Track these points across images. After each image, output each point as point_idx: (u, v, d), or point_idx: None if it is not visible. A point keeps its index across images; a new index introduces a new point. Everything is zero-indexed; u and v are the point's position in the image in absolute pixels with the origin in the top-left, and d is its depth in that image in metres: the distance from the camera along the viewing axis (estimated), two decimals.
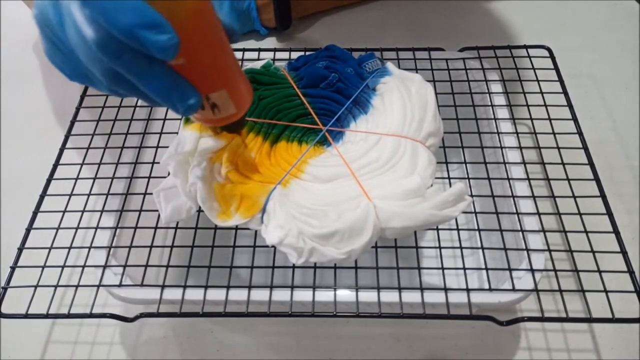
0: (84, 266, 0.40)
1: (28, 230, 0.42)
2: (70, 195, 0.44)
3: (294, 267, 0.37)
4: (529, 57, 0.52)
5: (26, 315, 0.38)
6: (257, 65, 0.47)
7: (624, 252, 0.39)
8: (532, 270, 0.38)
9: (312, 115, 0.43)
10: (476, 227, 0.42)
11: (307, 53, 0.48)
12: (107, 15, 0.23)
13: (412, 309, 0.37)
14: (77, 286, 0.39)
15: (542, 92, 0.49)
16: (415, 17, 0.72)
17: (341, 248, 0.34)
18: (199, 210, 0.39)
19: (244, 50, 0.53)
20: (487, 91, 0.50)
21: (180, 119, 0.45)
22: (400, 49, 0.53)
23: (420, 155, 0.38)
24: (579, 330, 0.45)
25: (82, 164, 0.46)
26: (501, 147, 0.46)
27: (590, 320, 0.37)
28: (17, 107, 0.64)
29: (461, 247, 0.40)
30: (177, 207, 0.38)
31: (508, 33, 0.70)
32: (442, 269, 0.39)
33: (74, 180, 0.45)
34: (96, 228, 0.42)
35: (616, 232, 0.40)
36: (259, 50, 0.53)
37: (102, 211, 0.43)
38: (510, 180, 0.43)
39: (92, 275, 0.39)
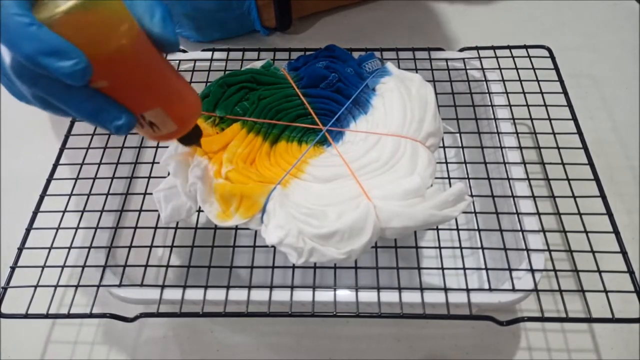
0: (83, 266, 0.40)
1: (28, 230, 0.42)
2: (70, 195, 0.44)
3: (293, 267, 0.38)
4: (529, 57, 0.52)
5: (26, 315, 0.38)
6: (257, 65, 0.47)
7: (624, 252, 0.39)
8: (532, 270, 0.38)
9: (312, 115, 0.43)
10: (476, 227, 0.42)
11: (307, 53, 0.48)
12: (12, 43, 0.23)
13: (412, 309, 0.37)
14: (77, 286, 0.39)
15: (542, 92, 0.49)
16: (415, 17, 0.72)
17: (341, 248, 0.34)
18: (199, 210, 0.39)
19: (243, 50, 0.53)
20: (487, 91, 0.50)
21: None
22: (400, 49, 0.53)
23: (420, 155, 0.38)
24: (578, 330, 0.45)
25: (82, 164, 0.46)
26: (501, 147, 0.46)
27: (590, 320, 0.37)
28: (17, 107, 0.64)
29: (461, 247, 0.40)
30: (177, 207, 0.38)
31: (508, 33, 0.70)
32: (442, 269, 0.39)
33: (74, 180, 0.45)
34: (96, 228, 0.42)
35: (616, 232, 0.40)
36: (259, 50, 0.53)
37: (102, 211, 0.43)
38: (510, 180, 0.43)
39: (92, 275, 0.39)
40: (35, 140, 0.61)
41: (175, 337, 0.46)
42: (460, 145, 0.48)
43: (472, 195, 0.40)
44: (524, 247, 0.39)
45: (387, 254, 0.43)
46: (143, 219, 0.42)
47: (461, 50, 0.54)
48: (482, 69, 0.51)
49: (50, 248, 0.41)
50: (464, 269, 0.39)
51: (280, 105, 0.43)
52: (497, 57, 0.52)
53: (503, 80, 0.50)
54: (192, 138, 0.32)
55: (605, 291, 0.37)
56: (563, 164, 0.44)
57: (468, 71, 0.52)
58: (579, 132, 0.47)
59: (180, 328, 0.46)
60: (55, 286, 0.39)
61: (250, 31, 0.70)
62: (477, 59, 0.52)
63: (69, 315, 0.38)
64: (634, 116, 0.60)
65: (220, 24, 0.67)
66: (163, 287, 0.38)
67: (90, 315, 0.37)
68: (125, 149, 0.47)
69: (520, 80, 0.50)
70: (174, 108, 0.29)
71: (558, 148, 0.46)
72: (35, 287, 0.39)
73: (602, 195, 0.43)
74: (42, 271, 0.40)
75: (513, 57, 0.52)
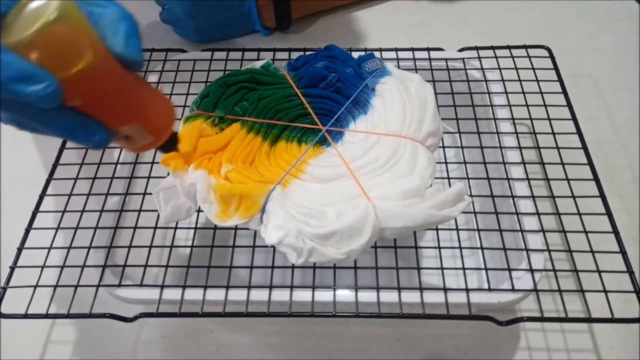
0: (83, 266, 0.40)
1: (28, 230, 0.42)
2: (70, 195, 0.44)
3: (293, 267, 0.38)
4: (529, 57, 0.52)
5: (26, 315, 0.38)
6: (257, 65, 0.47)
7: (623, 252, 0.39)
8: (532, 270, 0.38)
9: (311, 115, 0.43)
10: (476, 227, 0.42)
11: (307, 53, 0.48)
12: None
13: (411, 309, 0.37)
14: (76, 286, 0.39)
15: (541, 92, 0.49)
16: (415, 17, 0.72)
17: (340, 248, 0.34)
18: (199, 210, 0.39)
19: (243, 50, 0.53)
20: (486, 91, 0.50)
21: (180, 119, 0.45)
22: (399, 49, 0.53)
23: (419, 155, 0.38)
24: (578, 331, 0.45)
25: (81, 164, 0.46)
26: (501, 147, 0.46)
27: (589, 320, 0.37)
28: None
29: (460, 247, 0.40)
30: (177, 207, 0.38)
31: (508, 33, 0.70)
32: (442, 269, 0.39)
33: (74, 180, 0.45)
34: (96, 228, 0.42)
35: (616, 232, 0.40)
36: (259, 50, 0.53)
37: (101, 211, 0.43)
38: (510, 180, 0.43)
39: (91, 275, 0.39)
40: (35, 140, 0.61)
41: (174, 337, 0.46)
42: (459, 145, 0.48)
43: (471, 195, 0.41)
44: (524, 247, 0.39)
45: (386, 254, 0.43)
46: (142, 219, 0.42)
47: (461, 50, 0.54)
48: (482, 69, 0.51)
49: (50, 248, 0.41)
50: (464, 269, 0.39)
51: (279, 105, 0.43)
52: (496, 57, 0.52)
53: (503, 80, 0.50)
54: (169, 146, 0.32)
55: (605, 291, 0.37)
56: (563, 164, 0.44)
57: (468, 71, 0.52)
58: (579, 132, 0.47)
59: (180, 328, 0.46)
60: (55, 286, 0.39)
61: (250, 31, 0.70)
62: (476, 59, 0.52)
63: (68, 315, 0.38)
64: (634, 116, 0.60)
65: (220, 24, 0.67)
66: (162, 287, 0.38)
67: (90, 315, 0.37)
68: (125, 148, 0.47)
69: (520, 80, 0.50)
70: (148, 121, 0.29)
71: (558, 148, 0.46)
72: (35, 287, 0.39)
73: (602, 195, 0.43)
74: (41, 271, 0.40)
75: (513, 57, 0.52)
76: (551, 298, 0.43)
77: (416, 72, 0.45)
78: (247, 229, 0.36)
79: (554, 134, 0.47)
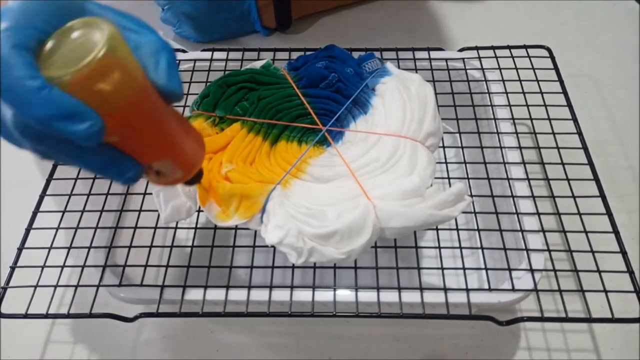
0: (83, 266, 0.40)
1: (28, 230, 0.42)
2: (70, 195, 0.44)
3: (293, 267, 0.38)
4: (529, 57, 0.52)
5: (26, 315, 0.38)
6: (257, 65, 0.47)
7: (623, 252, 0.39)
8: (532, 270, 0.38)
9: (311, 115, 0.43)
10: (476, 227, 0.42)
11: (307, 53, 0.48)
12: (20, 107, 0.21)
13: (411, 309, 0.37)
14: (77, 286, 0.39)
15: (541, 92, 0.49)
16: (415, 17, 0.72)
17: (341, 248, 0.34)
18: (199, 210, 0.39)
19: (243, 50, 0.53)
20: (486, 91, 0.50)
21: None
22: (399, 49, 0.53)
23: (419, 155, 0.38)
24: (578, 330, 0.45)
25: None
26: (501, 147, 0.46)
27: (589, 320, 0.37)
28: None
29: (461, 247, 0.40)
30: (177, 207, 0.38)
31: (508, 33, 0.70)
32: (442, 269, 0.39)
33: (74, 180, 0.45)
34: (96, 228, 0.42)
35: (616, 232, 0.40)
36: (259, 50, 0.53)
37: (101, 211, 0.43)
38: (510, 180, 0.43)
39: (91, 275, 0.39)
40: None
41: (174, 337, 0.46)
42: (460, 145, 0.48)
43: (471, 195, 0.40)
44: (524, 247, 0.39)
45: (386, 254, 0.43)
46: (143, 219, 0.42)
47: (461, 50, 0.54)
48: (482, 69, 0.51)
49: (50, 248, 0.41)
50: (464, 268, 0.39)
51: (280, 105, 0.43)
52: (496, 57, 0.52)
53: (503, 80, 0.50)
54: (195, 179, 0.31)
55: (605, 291, 0.37)
56: (563, 164, 0.44)
57: (468, 71, 0.52)
58: (579, 132, 0.47)
59: (180, 328, 0.46)
60: (55, 286, 0.39)
61: (250, 31, 0.70)
62: (476, 59, 0.52)
63: (68, 315, 0.38)
64: (634, 116, 0.60)
65: (220, 24, 0.67)
66: (163, 287, 0.38)
67: (90, 315, 0.37)
68: None
69: (520, 80, 0.50)
70: (182, 157, 0.28)
71: (558, 148, 0.46)
72: (35, 287, 0.39)
73: (602, 195, 0.43)
74: (42, 271, 0.40)
75: (513, 57, 0.52)
76: (551, 298, 0.43)
77: (416, 72, 0.45)
78: (247, 229, 0.36)
79: (554, 134, 0.47)
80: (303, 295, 0.38)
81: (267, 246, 0.35)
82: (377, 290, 0.37)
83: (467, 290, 0.37)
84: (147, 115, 0.24)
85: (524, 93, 0.49)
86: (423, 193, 0.36)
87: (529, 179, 0.43)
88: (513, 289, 0.37)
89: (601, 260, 0.39)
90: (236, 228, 0.41)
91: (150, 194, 0.40)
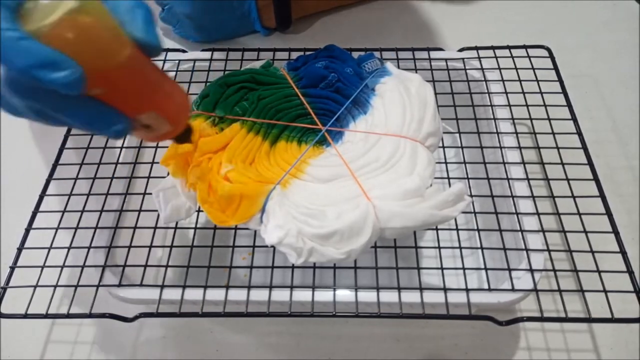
0: (83, 266, 0.40)
1: (28, 230, 0.42)
2: (70, 195, 0.44)
3: (293, 267, 0.38)
4: (529, 57, 0.52)
5: (26, 315, 0.38)
6: (257, 65, 0.47)
7: (623, 252, 0.39)
8: (532, 270, 0.38)
9: (311, 115, 0.43)
10: (475, 227, 0.42)
11: (307, 53, 0.48)
12: (4, 58, 0.23)
13: (411, 309, 0.37)
14: (76, 286, 0.39)
15: (541, 92, 0.49)
16: (415, 17, 0.72)
17: (340, 248, 0.34)
18: (199, 210, 0.39)
19: (243, 50, 0.53)
20: (486, 91, 0.50)
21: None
22: (399, 49, 0.53)
23: (419, 155, 0.38)
24: (578, 330, 0.45)
25: (81, 164, 0.46)
26: (500, 147, 0.46)
27: (589, 320, 0.37)
28: None
29: (460, 247, 0.40)
30: (177, 207, 0.38)
31: (508, 33, 0.70)
32: (442, 269, 0.39)
33: (74, 180, 0.45)
34: (95, 228, 0.42)
35: (616, 232, 0.40)
36: (259, 50, 0.53)
37: (101, 211, 0.43)
38: (510, 180, 0.43)
39: (91, 275, 0.39)
40: (36, 140, 0.61)
41: (174, 337, 0.46)
42: (459, 145, 0.48)
43: (471, 195, 0.40)
44: (524, 247, 0.39)
45: (386, 254, 0.43)
46: (142, 219, 0.42)
47: (461, 50, 0.54)
48: (482, 69, 0.51)
49: (49, 248, 0.41)
50: (464, 269, 0.39)
51: (279, 105, 0.43)
52: (496, 57, 0.52)
53: (503, 80, 0.50)
54: (185, 136, 0.32)
55: (605, 291, 0.37)
56: (562, 164, 0.44)
57: (467, 71, 0.52)
58: (579, 132, 0.47)
59: (180, 328, 0.46)
60: (55, 286, 0.39)
61: (250, 31, 0.70)
62: (476, 59, 0.52)
63: (68, 315, 0.38)
64: (634, 116, 0.60)
65: (220, 24, 0.67)
66: (162, 287, 0.38)
67: (90, 315, 0.37)
68: (124, 148, 0.47)
69: (520, 80, 0.50)
70: (167, 108, 0.29)
71: (557, 148, 0.46)
72: (35, 287, 0.39)
73: (602, 196, 0.43)
74: (41, 271, 0.40)
75: (513, 57, 0.52)
76: (551, 298, 0.43)
77: (416, 72, 0.45)
78: (247, 229, 0.36)
79: (554, 134, 0.47)
80: (303, 295, 0.38)
81: (266, 246, 0.35)
82: (377, 290, 0.37)
83: (467, 290, 0.37)
84: (128, 69, 0.26)
85: (523, 93, 0.49)
86: (423, 193, 0.36)
87: (528, 179, 0.43)
88: (513, 289, 0.37)
89: (601, 260, 0.39)
90: (236, 228, 0.41)
91: (150, 194, 0.40)
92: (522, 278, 0.38)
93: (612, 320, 0.36)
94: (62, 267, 0.40)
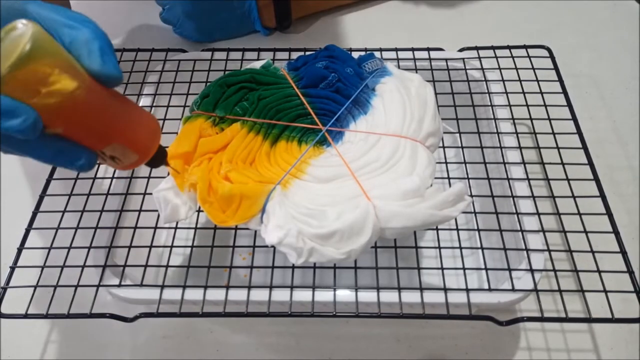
0: (83, 266, 0.40)
1: (28, 230, 0.42)
2: (70, 195, 0.44)
3: (293, 267, 0.38)
4: (529, 57, 0.52)
5: (26, 315, 0.38)
6: (257, 65, 0.47)
7: (623, 252, 0.39)
8: (532, 270, 0.38)
9: (311, 115, 0.43)
10: (476, 227, 0.42)
11: (307, 53, 0.48)
12: None
13: (411, 309, 0.37)
14: (77, 286, 0.39)
15: (541, 92, 0.49)
16: (415, 17, 0.72)
17: (341, 248, 0.34)
18: (199, 210, 0.39)
19: (243, 50, 0.53)
20: (486, 91, 0.50)
21: (180, 119, 0.45)
22: (399, 49, 0.53)
23: (419, 155, 0.38)
24: (578, 330, 0.45)
25: None
26: (501, 147, 0.46)
27: (589, 320, 0.37)
28: None
29: (461, 247, 0.40)
30: (177, 207, 0.38)
31: (508, 33, 0.70)
32: (442, 269, 0.39)
33: (74, 180, 0.45)
34: (96, 228, 0.42)
35: (616, 232, 0.40)
36: (259, 50, 0.53)
37: (101, 211, 0.43)
38: (510, 180, 0.43)
39: (91, 275, 0.39)
40: None
41: (174, 337, 0.46)
42: (460, 145, 0.48)
43: (471, 195, 0.40)
44: (524, 247, 0.39)
45: (386, 254, 0.43)
46: (143, 218, 0.42)
47: (461, 50, 0.54)
48: (482, 69, 0.51)
49: (50, 248, 0.41)
50: (464, 269, 0.39)
51: (280, 105, 0.43)
52: (496, 57, 0.52)
53: (503, 80, 0.50)
54: (157, 161, 0.32)
55: (605, 291, 0.37)
56: (563, 164, 0.44)
57: (468, 71, 0.52)
58: (579, 132, 0.47)
59: (180, 328, 0.46)
60: (55, 286, 0.39)
61: (250, 31, 0.70)
62: (476, 59, 0.52)
63: (68, 315, 0.38)
64: (634, 116, 0.60)
65: (220, 24, 0.67)
66: (163, 287, 0.38)
67: (90, 315, 0.37)
68: None
69: (520, 80, 0.50)
70: (132, 139, 0.28)
71: (558, 148, 0.46)
72: (35, 287, 0.39)
73: (602, 195, 0.43)
74: (41, 271, 0.40)
75: (513, 57, 0.52)
76: (551, 298, 0.43)
77: (416, 72, 0.45)
78: (247, 229, 0.36)
79: (554, 134, 0.47)
80: (303, 296, 0.38)
81: (267, 246, 0.35)
82: (377, 290, 0.37)
83: (467, 290, 0.37)
84: (86, 105, 0.25)
85: (524, 93, 0.49)
86: (423, 193, 0.36)
87: (529, 179, 0.43)
88: (513, 289, 0.37)
89: (601, 260, 0.39)
90: (236, 228, 0.41)
91: (150, 194, 0.40)
92: (522, 278, 0.38)
93: (612, 320, 0.36)
94: (62, 267, 0.40)
